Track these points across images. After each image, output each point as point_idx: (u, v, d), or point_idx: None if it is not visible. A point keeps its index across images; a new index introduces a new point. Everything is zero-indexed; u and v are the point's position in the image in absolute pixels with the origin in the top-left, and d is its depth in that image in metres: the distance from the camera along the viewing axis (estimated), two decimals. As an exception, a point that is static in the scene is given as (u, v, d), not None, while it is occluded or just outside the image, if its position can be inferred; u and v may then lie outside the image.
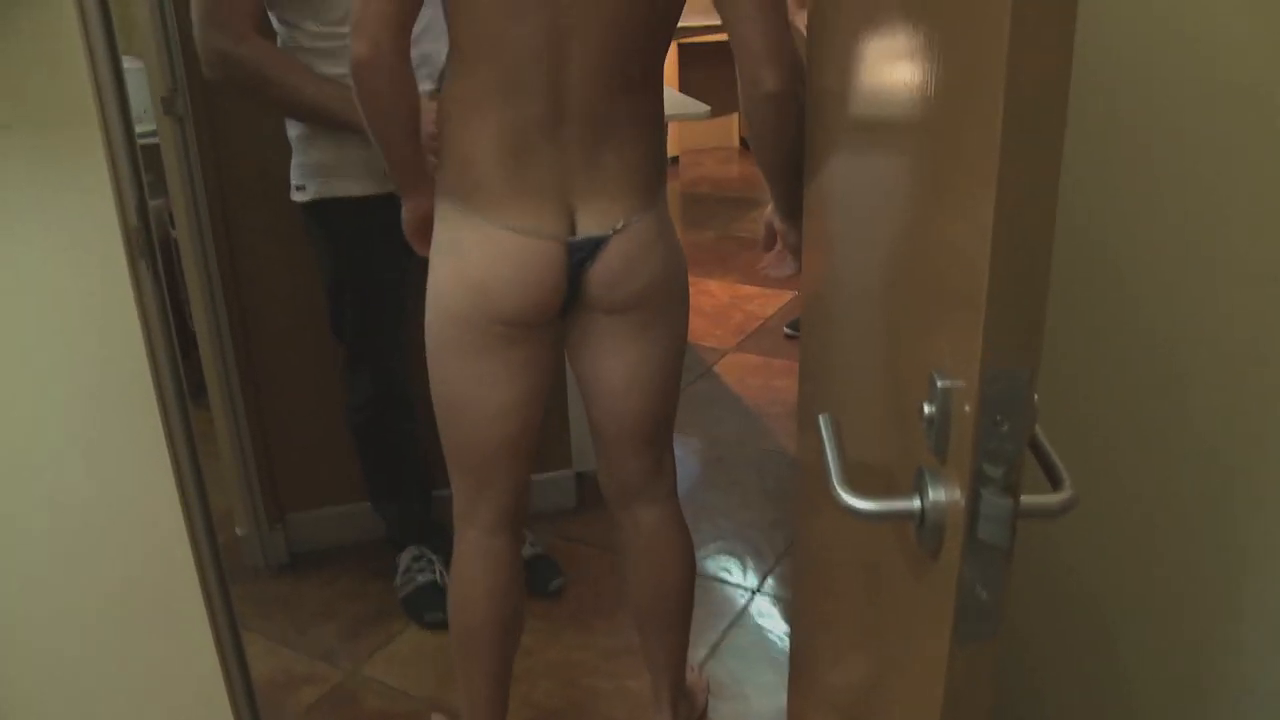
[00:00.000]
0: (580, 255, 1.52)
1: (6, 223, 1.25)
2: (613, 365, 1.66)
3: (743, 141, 6.47)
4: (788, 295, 4.33)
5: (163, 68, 2.23)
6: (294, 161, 2.14)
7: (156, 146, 2.32)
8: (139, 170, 1.28)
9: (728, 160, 6.47)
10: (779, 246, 1.62)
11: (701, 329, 4.09)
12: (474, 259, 1.50)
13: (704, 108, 2.81)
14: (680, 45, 6.11)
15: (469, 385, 1.60)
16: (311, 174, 2.12)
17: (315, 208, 2.14)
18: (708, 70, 6.49)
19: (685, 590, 1.87)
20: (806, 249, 1.46)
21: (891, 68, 0.93)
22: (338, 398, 2.45)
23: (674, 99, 2.98)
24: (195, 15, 1.93)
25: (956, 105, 0.74)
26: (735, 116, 6.77)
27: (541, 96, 1.44)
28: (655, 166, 1.57)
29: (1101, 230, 1.33)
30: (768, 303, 4.32)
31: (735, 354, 3.87)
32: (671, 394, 1.73)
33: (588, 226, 1.51)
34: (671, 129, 5.45)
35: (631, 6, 1.42)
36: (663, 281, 1.61)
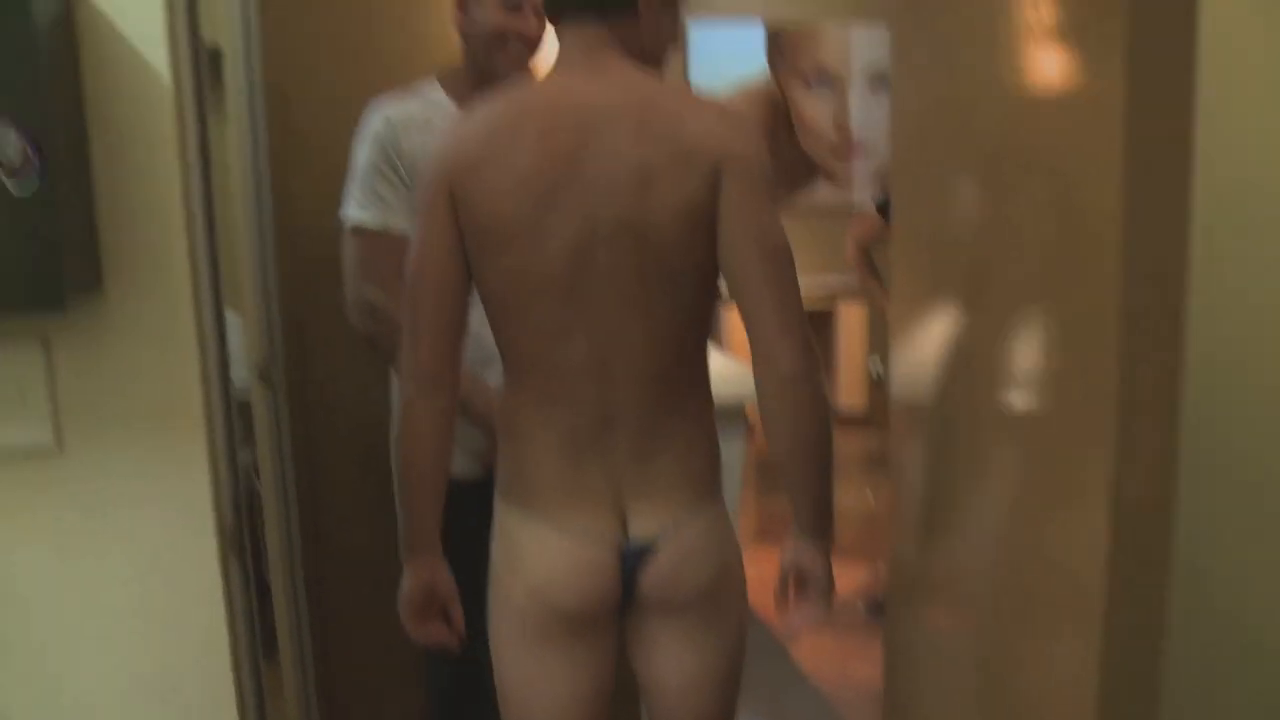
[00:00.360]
0: (632, 560, 1.53)
1: (110, 506, 1.27)
2: (669, 666, 1.62)
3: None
4: (864, 568, 4.20)
5: (261, 335, 2.30)
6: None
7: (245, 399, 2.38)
8: (236, 465, 1.29)
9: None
10: (803, 588, 1.57)
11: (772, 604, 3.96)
12: (530, 560, 1.53)
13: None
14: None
15: (533, 679, 1.58)
16: None
17: None
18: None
19: None
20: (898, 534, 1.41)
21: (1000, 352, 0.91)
22: (408, 666, 2.38)
23: (745, 376, 2.99)
24: (350, 265, 2.01)
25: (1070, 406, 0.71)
26: (807, 375, 6.84)
27: (589, 406, 1.49)
28: (706, 463, 1.58)
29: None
30: (842, 576, 4.20)
31: (807, 633, 3.72)
32: (730, 695, 1.67)
33: (639, 528, 1.53)
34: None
35: (670, 319, 1.47)
36: (717, 582, 1.59)
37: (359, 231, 1.99)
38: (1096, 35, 0.95)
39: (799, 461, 1.43)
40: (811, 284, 6.38)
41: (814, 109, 6.56)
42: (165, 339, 1.21)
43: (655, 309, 1.45)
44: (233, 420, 1.30)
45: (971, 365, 1.04)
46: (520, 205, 1.41)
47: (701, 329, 1.54)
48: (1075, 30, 1.02)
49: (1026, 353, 0.84)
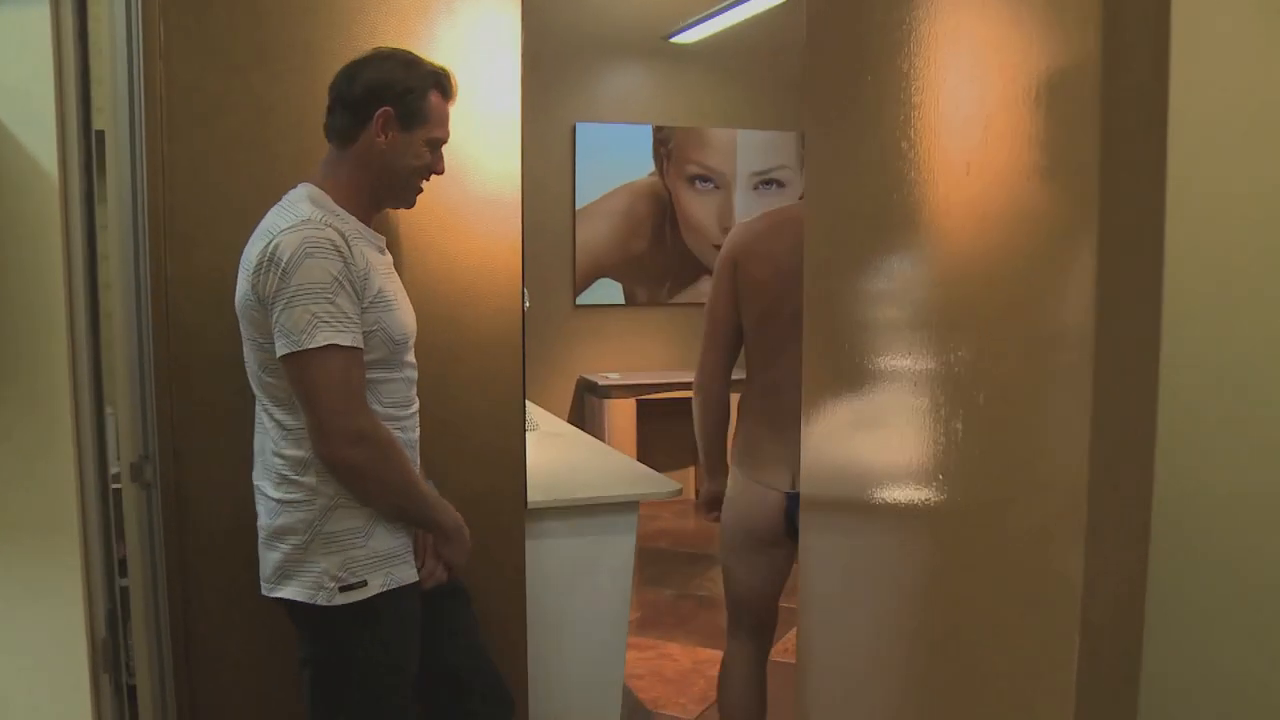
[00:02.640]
0: (793, 502, 2.46)
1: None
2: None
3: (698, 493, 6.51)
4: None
5: (136, 433, 2.20)
6: (339, 559, 1.96)
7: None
8: (113, 581, 1.21)
9: (684, 514, 6.48)
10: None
11: (664, 696, 3.91)
12: (740, 500, 2.55)
13: (675, 485, 2.81)
14: (639, 401, 6.26)
15: (738, 569, 2.64)
16: (376, 565, 1.98)
17: (373, 605, 1.99)
18: (663, 425, 6.64)
19: None
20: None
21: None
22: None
23: (642, 475, 2.98)
24: (331, 397, 1.88)
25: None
26: (691, 470, 6.86)
27: (782, 396, 2.36)
28: None
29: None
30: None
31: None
32: None
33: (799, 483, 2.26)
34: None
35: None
36: None
37: (335, 351, 1.86)
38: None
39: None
40: (688, 378, 6.44)
41: (699, 207, 6.69)
42: (41, 448, 1.14)
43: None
44: (111, 536, 1.22)
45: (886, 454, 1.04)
46: (770, 276, 2.43)
47: None
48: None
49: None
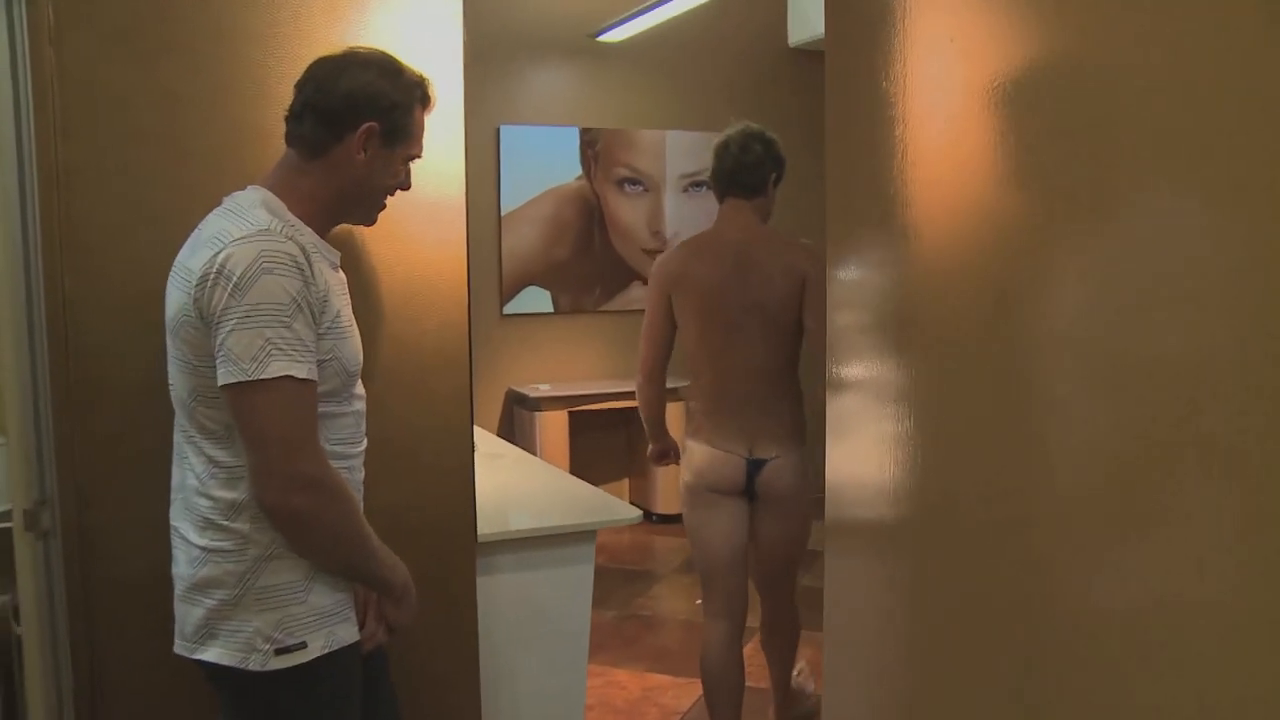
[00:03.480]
0: (753, 466, 2.96)
1: None
2: (764, 531, 3.08)
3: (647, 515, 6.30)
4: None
5: (30, 475, 1.92)
6: (274, 617, 1.70)
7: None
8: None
9: (621, 530, 6.26)
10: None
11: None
12: (705, 464, 2.99)
13: (635, 513, 2.60)
14: (571, 413, 6.03)
15: (704, 527, 3.04)
16: (316, 624, 1.72)
17: (313, 669, 1.73)
18: (597, 437, 6.42)
19: None
20: None
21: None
22: None
23: (599, 501, 2.76)
24: (280, 436, 1.63)
25: None
26: (626, 482, 6.65)
27: (730, 387, 2.97)
28: (796, 425, 3.00)
29: None
30: (682, 693, 3.98)
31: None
32: (797, 552, 3.15)
33: (759, 452, 2.96)
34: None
35: (766, 337, 2.93)
36: (795, 491, 2.99)
37: (288, 384, 1.61)
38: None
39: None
40: (629, 385, 6.22)
41: (628, 211, 6.48)
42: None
43: (766, 342, 2.92)
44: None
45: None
46: (701, 298, 2.95)
47: (786, 336, 2.93)
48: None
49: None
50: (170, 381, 1.75)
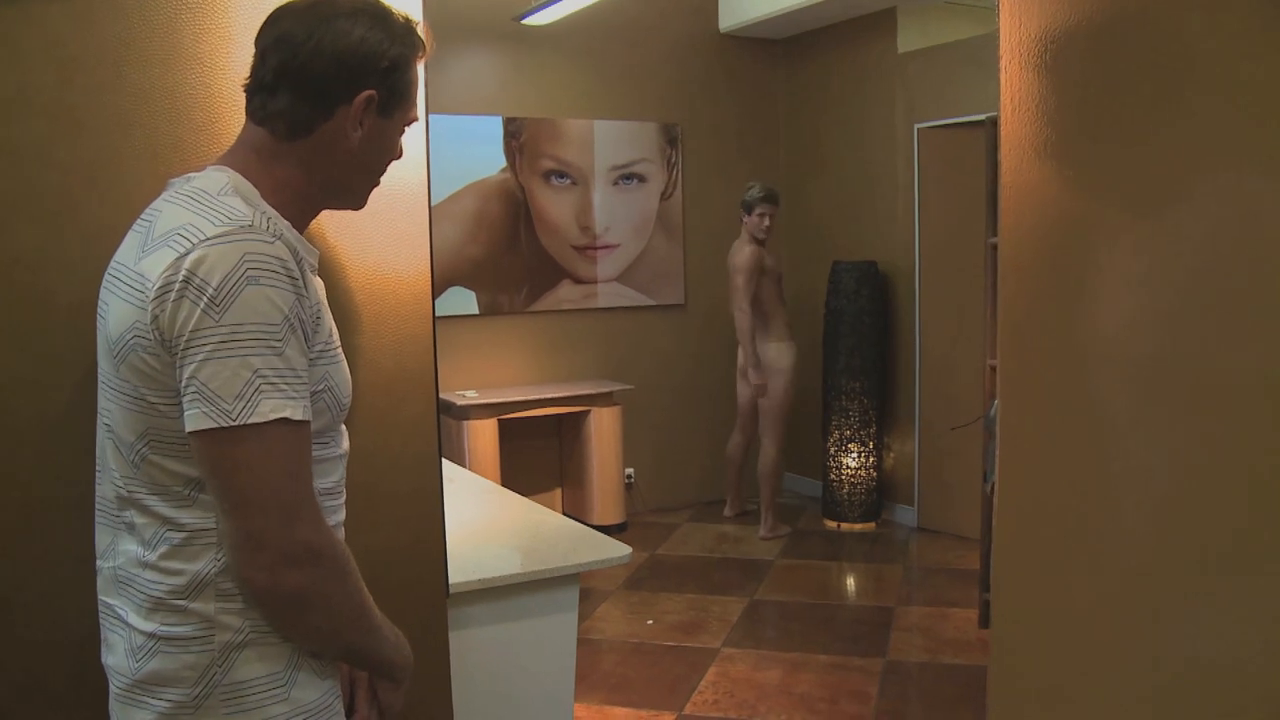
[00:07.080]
0: None
1: None
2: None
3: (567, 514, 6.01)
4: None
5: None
6: (263, 716, 1.32)
7: None
8: None
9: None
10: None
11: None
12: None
13: (624, 550, 2.24)
14: (500, 421, 5.64)
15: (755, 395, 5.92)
16: None
17: None
18: (527, 446, 6.05)
19: None
20: None
21: None
22: None
23: (581, 538, 2.38)
24: (276, 506, 1.24)
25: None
26: (558, 492, 6.28)
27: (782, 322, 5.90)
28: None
29: None
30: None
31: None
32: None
33: None
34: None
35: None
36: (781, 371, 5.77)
37: (283, 429, 1.24)
38: None
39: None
40: (560, 389, 5.88)
41: (556, 205, 6.11)
42: None
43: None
44: None
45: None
46: (768, 272, 5.87)
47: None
48: None
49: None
50: (104, 419, 1.34)
